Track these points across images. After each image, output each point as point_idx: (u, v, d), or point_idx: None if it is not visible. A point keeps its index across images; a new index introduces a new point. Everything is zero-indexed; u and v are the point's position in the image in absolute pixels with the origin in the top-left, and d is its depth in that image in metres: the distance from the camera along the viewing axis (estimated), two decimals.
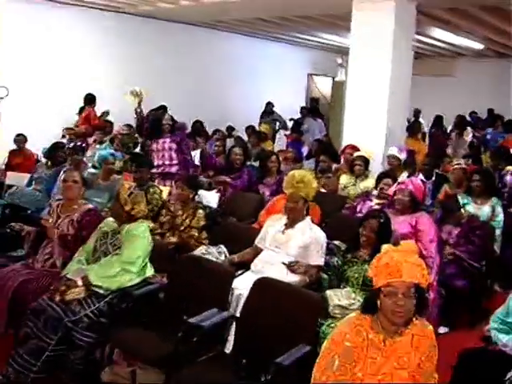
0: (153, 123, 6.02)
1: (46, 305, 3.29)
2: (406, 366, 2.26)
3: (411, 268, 2.25)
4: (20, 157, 7.41)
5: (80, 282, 3.37)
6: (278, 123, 11.35)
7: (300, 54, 14.14)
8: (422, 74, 10.54)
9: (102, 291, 3.41)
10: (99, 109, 9.12)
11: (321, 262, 3.81)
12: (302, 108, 12.56)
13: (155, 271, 3.69)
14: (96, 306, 3.36)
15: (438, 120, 10.76)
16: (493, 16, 8.18)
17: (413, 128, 8.86)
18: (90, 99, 8.96)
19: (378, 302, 2.28)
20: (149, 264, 3.65)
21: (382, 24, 6.80)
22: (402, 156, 6.49)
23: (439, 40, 10.82)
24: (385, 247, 2.38)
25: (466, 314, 4.50)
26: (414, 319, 2.31)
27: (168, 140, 5.95)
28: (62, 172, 5.56)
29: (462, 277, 4.47)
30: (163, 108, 6.72)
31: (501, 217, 5.30)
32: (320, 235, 3.91)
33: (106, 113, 9.05)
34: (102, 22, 9.65)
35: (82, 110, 8.99)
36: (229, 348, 3.26)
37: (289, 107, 12.70)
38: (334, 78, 14.35)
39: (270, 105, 11.71)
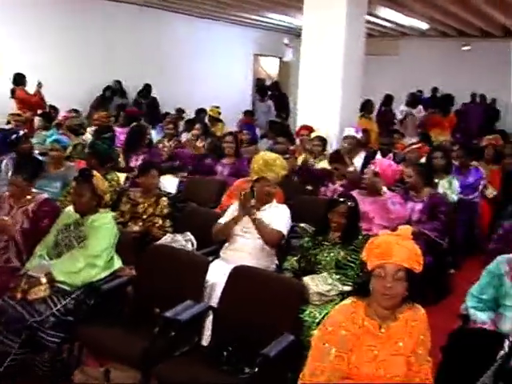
0: None
1: (6, 305, 3.07)
2: (402, 351, 2.21)
3: (402, 251, 2.20)
4: None
5: (44, 279, 3.15)
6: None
7: (245, 34, 13.92)
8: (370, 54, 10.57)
9: (67, 288, 3.21)
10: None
11: (284, 230, 3.70)
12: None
13: (122, 263, 3.49)
14: (62, 303, 3.15)
15: (388, 99, 10.86)
16: None
17: (366, 108, 8.88)
18: (17, 79, 8.41)
19: (370, 286, 2.23)
20: (116, 256, 3.46)
21: (335, 4, 6.76)
22: (359, 136, 6.49)
23: (387, 20, 10.89)
24: (382, 232, 2.33)
25: (430, 291, 4.53)
26: (407, 304, 2.26)
27: None
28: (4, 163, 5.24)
29: (427, 253, 4.47)
30: None
31: (457, 192, 5.46)
32: (285, 209, 3.83)
33: (39, 84, 8.46)
34: None
35: (13, 92, 8.43)
36: (206, 340, 3.14)
37: (236, 88, 12.53)
38: (281, 59, 14.26)
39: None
